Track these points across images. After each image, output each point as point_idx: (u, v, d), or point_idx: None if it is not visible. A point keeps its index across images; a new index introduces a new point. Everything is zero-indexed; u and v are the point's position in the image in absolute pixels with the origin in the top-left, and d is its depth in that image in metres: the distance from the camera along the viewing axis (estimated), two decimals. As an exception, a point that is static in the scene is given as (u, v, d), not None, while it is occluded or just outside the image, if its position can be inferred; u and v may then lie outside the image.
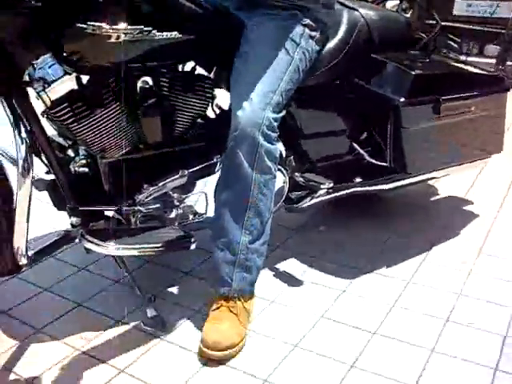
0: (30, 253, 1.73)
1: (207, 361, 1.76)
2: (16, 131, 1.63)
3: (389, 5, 6.60)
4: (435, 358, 1.76)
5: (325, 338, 1.86)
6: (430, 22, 4.42)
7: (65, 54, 1.67)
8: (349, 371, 1.71)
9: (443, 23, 2.45)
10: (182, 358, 1.78)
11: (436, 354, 1.78)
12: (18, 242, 1.65)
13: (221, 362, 1.75)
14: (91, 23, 1.58)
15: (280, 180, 2.08)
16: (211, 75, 2.05)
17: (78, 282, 2.20)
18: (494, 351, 1.79)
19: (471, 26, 5.86)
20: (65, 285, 2.18)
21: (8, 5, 1.54)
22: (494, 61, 6.05)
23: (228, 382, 1.69)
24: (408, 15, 5.55)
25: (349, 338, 1.86)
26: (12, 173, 1.78)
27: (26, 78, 1.77)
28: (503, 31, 6.02)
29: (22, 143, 1.62)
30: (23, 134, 1.64)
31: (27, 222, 1.65)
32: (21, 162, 1.61)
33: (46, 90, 1.77)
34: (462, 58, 4.66)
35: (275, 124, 1.80)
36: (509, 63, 5.91)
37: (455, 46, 2.64)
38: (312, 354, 1.79)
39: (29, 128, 1.70)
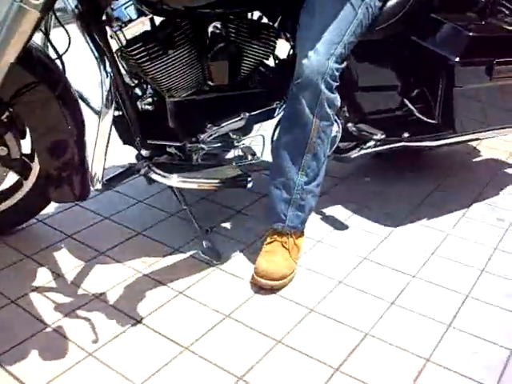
0: (105, 179, 1.88)
1: (259, 289, 1.91)
2: (101, 66, 1.75)
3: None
4: (469, 303, 1.88)
5: (367, 277, 2.00)
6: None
7: (145, -4, 1.79)
8: (388, 308, 1.85)
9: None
10: (236, 285, 1.94)
11: (470, 299, 1.90)
12: (96, 167, 1.79)
13: (271, 290, 1.91)
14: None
15: (333, 129, 2.19)
16: (275, 25, 2.15)
17: (136, 213, 2.36)
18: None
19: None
20: (124, 215, 2.34)
21: None
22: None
23: (277, 309, 1.84)
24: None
25: (390, 279, 1.99)
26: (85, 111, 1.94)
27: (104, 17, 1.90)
28: None
29: (107, 76, 1.74)
30: (108, 69, 1.76)
31: (106, 150, 1.79)
32: (105, 94, 1.73)
33: (123, 30, 1.90)
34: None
35: (337, 74, 1.90)
36: None
37: (510, 6, 2.67)
38: (355, 290, 1.93)
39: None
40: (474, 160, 2.95)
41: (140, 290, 1.90)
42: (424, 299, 1.89)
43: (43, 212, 2.22)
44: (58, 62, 1.87)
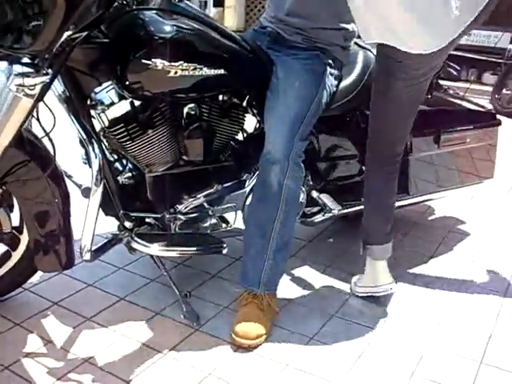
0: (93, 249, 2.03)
1: (237, 347, 2.07)
2: (90, 147, 1.93)
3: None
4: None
5: (336, 333, 2.17)
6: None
7: (127, 83, 1.96)
8: (356, 361, 2.03)
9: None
10: (216, 345, 2.08)
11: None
12: (86, 239, 1.95)
13: (249, 349, 2.06)
14: (155, 60, 1.87)
15: (300, 197, 2.38)
16: (243, 103, 2.36)
17: (118, 280, 2.49)
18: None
19: (470, 55, 6.17)
20: (107, 281, 2.47)
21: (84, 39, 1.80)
22: (490, 88, 6.37)
23: (255, 366, 1.99)
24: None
25: (357, 333, 2.18)
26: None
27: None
28: (500, 61, 6.34)
29: (96, 158, 1.91)
30: (96, 150, 1.94)
31: (95, 223, 1.95)
32: (95, 174, 1.90)
33: (105, 112, 2.08)
34: (461, 85, 4.96)
35: (302, 149, 2.12)
36: (504, 92, 6.23)
37: (455, 73, 2.93)
38: (325, 345, 2.11)
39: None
40: (429, 218, 3.18)
41: (127, 353, 2.03)
42: (388, 350, 2.08)
43: (29, 281, 2.34)
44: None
